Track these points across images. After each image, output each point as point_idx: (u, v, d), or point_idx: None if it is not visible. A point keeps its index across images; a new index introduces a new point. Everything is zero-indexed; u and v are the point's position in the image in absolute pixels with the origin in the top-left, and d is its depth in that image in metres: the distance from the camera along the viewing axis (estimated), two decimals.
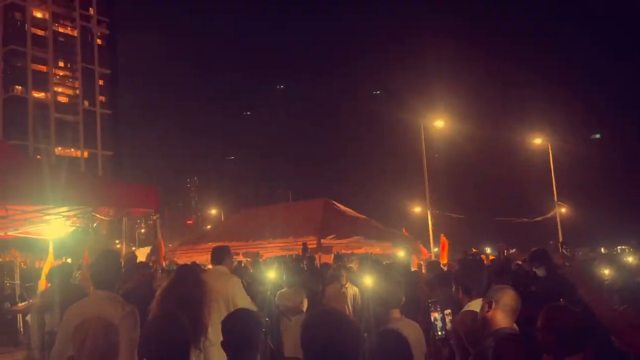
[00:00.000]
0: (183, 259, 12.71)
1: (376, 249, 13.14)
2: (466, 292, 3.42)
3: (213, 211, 75.58)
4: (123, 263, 4.87)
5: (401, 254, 12.28)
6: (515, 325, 3.03)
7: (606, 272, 6.06)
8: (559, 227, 28.72)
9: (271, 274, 9.27)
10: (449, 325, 2.84)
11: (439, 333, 2.78)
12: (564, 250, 3.70)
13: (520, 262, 7.61)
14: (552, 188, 28.94)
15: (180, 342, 2.37)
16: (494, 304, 2.95)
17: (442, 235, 15.23)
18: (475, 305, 3.39)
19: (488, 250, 21.06)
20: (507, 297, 2.97)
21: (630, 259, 9.63)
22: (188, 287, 3.74)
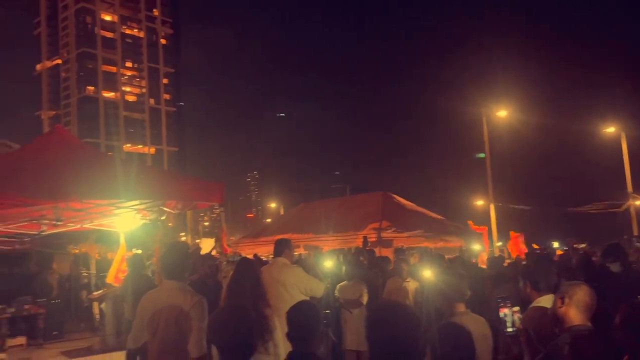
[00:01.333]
0: (246, 251, 13.03)
1: (437, 242, 12.93)
2: (534, 287, 3.31)
3: (272, 205, 76.96)
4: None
5: (464, 248, 12.03)
6: (589, 323, 2.90)
7: None
8: (634, 220, 27.08)
9: (331, 267, 9.33)
10: (517, 323, 2.75)
11: (509, 329, 2.70)
12: (638, 244, 3.50)
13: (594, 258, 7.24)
14: (625, 178, 27.32)
15: (246, 332, 2.44)
16: (567, 300, 2.83)
17: (511, 232, 14.76)
18: (545, 301, 3.27)
19: (555, 244, 20.19)
20: (582, 293, 2.85)
21: None
22: (249, 280, 3.84)
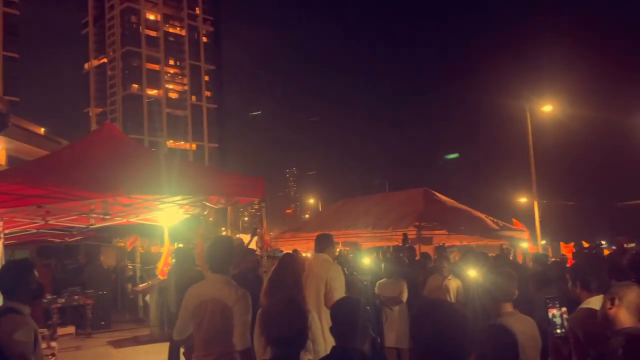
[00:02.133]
0: (286, 247, 13.13)
1: (480, 240, 12.68)
2: (585, 288, 3.21)
3: (311, 201, 77.39)
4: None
5: (505, 246, 11.77)
6: None
7: None
8: None
9: (370, 264, 9.30)
10: (566, 324, 2.67)
11: (559, 331, 2.63)
12: None
13: None
14: None
15: (302, 326, 2.48)
16: (617, 301, 2.74)
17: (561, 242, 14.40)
18: (595, 302, 3.16)
19: (603, 243, 19.50)
20: (633, 295, 2.75)
21: None
22: (291, 275, 3.88)
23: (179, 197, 6.98)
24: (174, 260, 7.60)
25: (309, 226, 14.36)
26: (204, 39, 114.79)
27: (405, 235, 10.15)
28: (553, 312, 2.64)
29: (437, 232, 11.28)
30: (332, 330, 2.56)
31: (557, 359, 2.70)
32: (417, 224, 10.75)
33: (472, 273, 6.33)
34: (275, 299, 3.10)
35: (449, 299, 6.74)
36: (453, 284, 6.88)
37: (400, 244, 9.98)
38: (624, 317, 2.74)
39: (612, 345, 2.57)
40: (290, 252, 8.53)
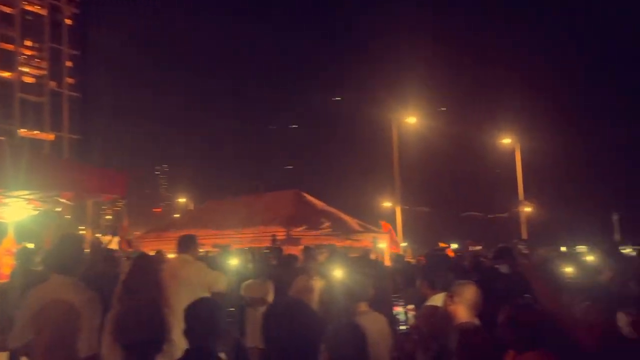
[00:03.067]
0: (150, 247, 12.52)
1: (346, 242, 13.18)
2: (430, 286, 3.48)
3: (182, 200, 74.87)
4: (87, 249, 4.79)
5: (370, 247, 12.36)
6: (477, 320, 3.10)
7: (568, 270, 6.19)
8: (523, 225, 29.44)
9: (237, 265, 9.22)
10: (411, 320, 2.89)
11: (402, 327, 2.83)
12: (522, 248, 3.80)
13: (484, 259, 7.75)
14: (519, 186, 29.66)
15: (159, 330, 2.37)
16: (456, 298, 3.01)
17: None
18: (438, 299, 3.45)
19: (455, 245, 21.39)
20: (469, 292, 3.05)
21: (590, 258, 9.90)
22: (146, 276, 3.72)
23: (26, 192, 6.34)
24: (18, 261, 6.85)
25: (175, 226, 13.89)
26: (68, 21, 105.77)
27: (274, 236, 10.23)
28: (397, 309, 2.84)
29: (305, 233, 11.52)
30: (186, 331, 2.48)
31: (401, 354, 2.90)
32: (286, 224, 10.91)
33: (337, 273, 6.55)
34: (130, 302, 2.94)
35: (314, 299, 6.90)
36: (318, 284, 7.05)
37: (270, 245, 10.04)
38: (461, 313, 3.02)
39: (451, 339, 2.81)
40: (149, 253, 8.18)
